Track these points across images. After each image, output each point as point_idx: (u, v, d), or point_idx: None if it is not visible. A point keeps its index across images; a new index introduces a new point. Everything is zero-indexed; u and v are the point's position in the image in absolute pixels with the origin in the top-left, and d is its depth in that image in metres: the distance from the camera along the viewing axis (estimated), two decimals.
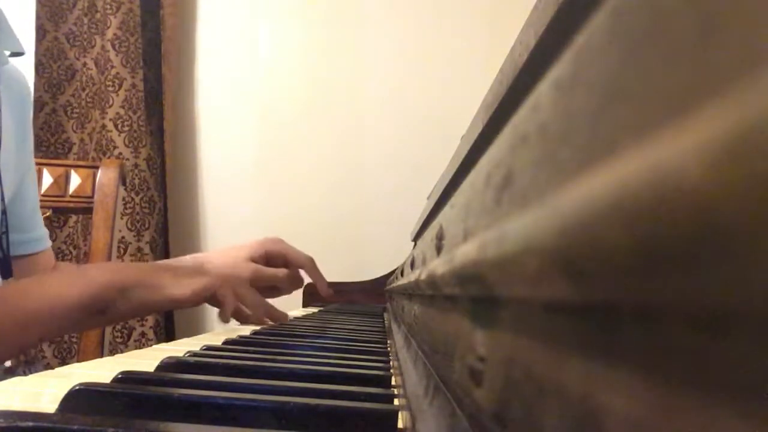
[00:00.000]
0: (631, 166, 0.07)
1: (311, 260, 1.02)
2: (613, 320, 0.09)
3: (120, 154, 1.62)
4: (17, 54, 0.84)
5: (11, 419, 0.22)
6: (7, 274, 0.79)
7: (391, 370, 0.43)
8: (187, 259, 0.94)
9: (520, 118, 0.15)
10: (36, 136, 1.70)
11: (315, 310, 1.21)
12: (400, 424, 0.28)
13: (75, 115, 1.72)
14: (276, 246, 0.99)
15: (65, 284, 0.65)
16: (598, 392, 0.09)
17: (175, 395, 0.29)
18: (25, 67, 1.70)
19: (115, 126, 1.63)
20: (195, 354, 0.44)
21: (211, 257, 0.93)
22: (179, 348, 0.51)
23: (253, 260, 0.94)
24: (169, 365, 0.38)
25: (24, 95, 0.88)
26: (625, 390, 0.08)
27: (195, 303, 0.74)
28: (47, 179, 1.20)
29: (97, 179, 1.21)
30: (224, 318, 0.77)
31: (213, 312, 0.90)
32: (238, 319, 0.82)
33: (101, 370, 0.37)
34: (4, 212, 0.79)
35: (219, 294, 0.75)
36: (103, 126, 1.63)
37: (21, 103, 0.86)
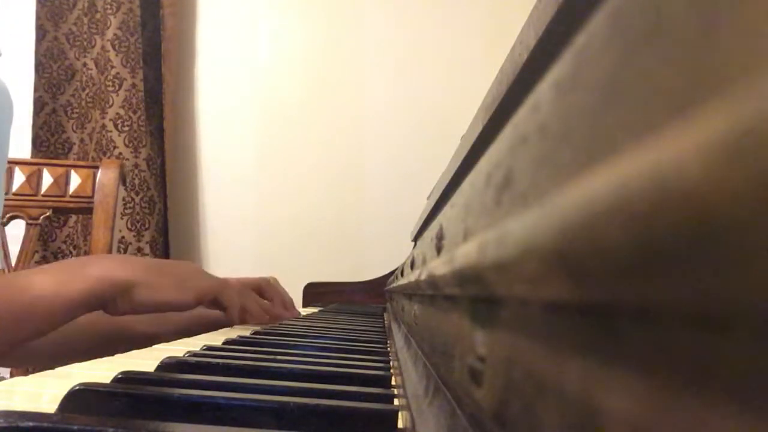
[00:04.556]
0: (631, 166, 0.07)
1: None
2: (613, 320, 0.09)
3: (120, 154, 1.62)
4: None
5: (11, 419, 0.22)
6: None
7: (391, 370, 0.43)
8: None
9: (520, 118, 0.15)
10: (36, 136, 1.70)
11: (315, 310, 1.21)
12: (400, 424, 0.28)
13: (75, 115, 1.72)
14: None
15: (64, 279, 0.64)
16: (598, 392, 0.09)
17: (175, 395, 0.29)
18: (25, 67, 1.70)
19: (115, 126, 1.63)
20: (195, 354, 0.44)
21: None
22: (179, 348, 0.51)
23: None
24: (169, 365, 0.38)
25: (2, 105, 0.85)
26: (625, 390, 0.08)
27: (196, 306, 0.73)
28: (47, 179, 1.20)
29: (97, 179, 1.21)
30: (233, 321, 0.77)
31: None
32: (242, 323, 0.81)
33: (101, 370, 0.37)
34: None
35: (223, 297, 0.75)
36: (103, 126, 1.63)
37: None
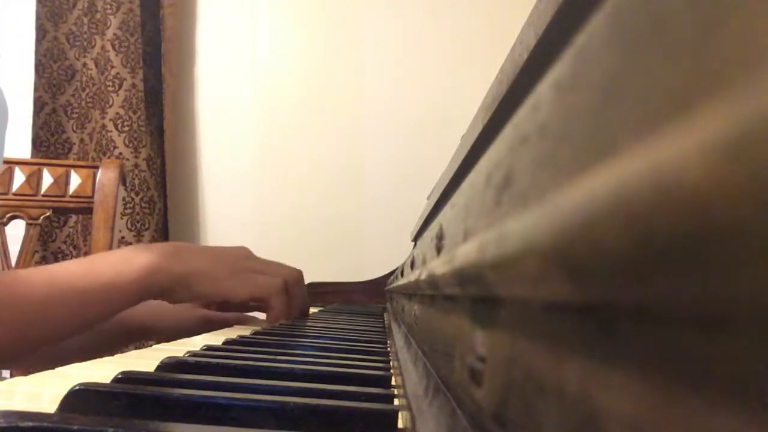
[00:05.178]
0: (632, 166, 0.07)
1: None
2: (613, 320, 0.09)
3: (120, 154, 1.62)
4: None
5: (11, 419, 0.22)
6: None
7: (391, 371, 0.43)
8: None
9: (520, 118, 0.15)
10: (36, 136, 1.70)
11: (315, 310, 1.21)
12: (400, 424, 0.28)
13: (75, 115, 1.72)
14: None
15: (123, 263, 0.63)
16: (598, 392, 0.09)
17: (175, 395, 0.29)
18: (25, 67, 1.70)
19: (115, 126, 1.63)
20: (195, 354, 0.44)
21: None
22: (179, 348, 0.51)
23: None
24: (169, 365, 0.38)
25: None
26: (625, 390, 0.08)
27: (250, 300, 0.72)
28: (47, 179, 1.20)
29: (97, 179, 1.21)
30: (270, 322, 0.76)
31: None
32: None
33: (101, 370, 0.37)
34: None
35: (273, 301, 0.73)
36: (103, 126, 1.63)
37: None
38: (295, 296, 0.81)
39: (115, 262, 0.64)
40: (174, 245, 0.77)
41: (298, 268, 0.83)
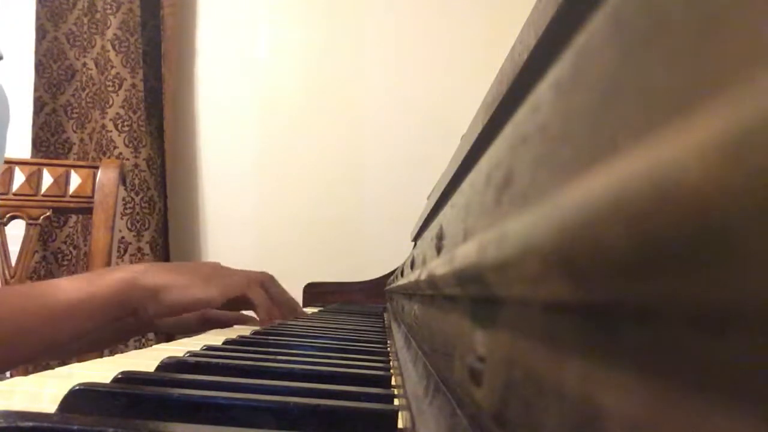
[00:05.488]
0: (631, 166, 0.07)
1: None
2: (613, 320, 0.09)
3: (120, 154, 1.62)
4: None
5: (11, 419, 0.22)
6: None
7: (391, 370, 0.43)
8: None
9: (520, 118, 0.15)
10: (36, 136, 1.70)
11: (315, 310, 1.21)
12: (400, 424, 0.28)
13: (75, 115, 1.72)
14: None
15: (94, 282, 0.64)
16: (598, 392, 0.09)
17: (175, 395, 0.29)
18: (25, 67, 1.70)
19: (115, 126, 1.63)
20: (195, 354, 0.44)
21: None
22: (179, 348, 0.51)
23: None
24: (169, 365, 0.38)
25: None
26: (625, 390, 0.08)
27: (223, 303, 0.73)
28: (47, 179, 1.20)
29: (97, 179, 1.21)
30: (262, 319, 0.76)
31: None
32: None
33: (101, 370, 0.37)
34: None
35: (252, 294, 0.75)
36: (103, 126, 1.63)
37: None
38: (277, 294, 0.83)
39: (85, 280, 0.65)
40: (146, 264, 0.79)
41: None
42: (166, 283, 0.68)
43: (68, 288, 0.62)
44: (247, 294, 0.75)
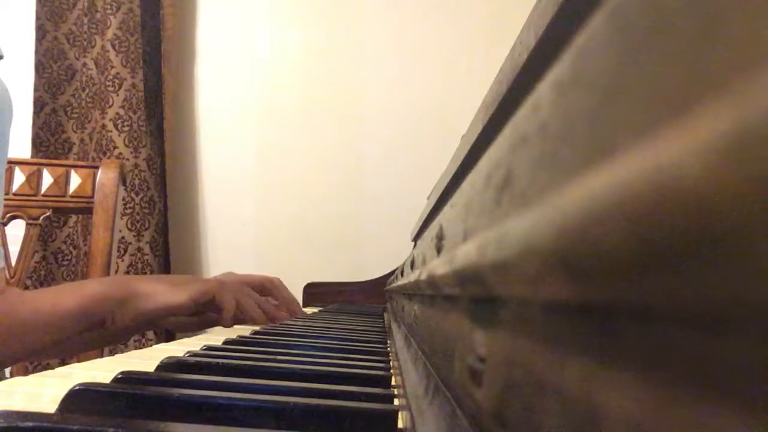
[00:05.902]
0: (631, 166, 0.07)
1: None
2: (612, 320, 0.09)
3: (120, 154, 1.62)
4: None
5: (11, 419, 0.22)
6: None
7: (391, 370, 0.43)
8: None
9: (520, 118, 0.15)
10: (36, 136, 1.70)
11: (315, 310, 1.21)
12: (400, 424, 0.28)
13: (75, 115, 1.72)
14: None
15: (60, 296, 0.66)
16: (598, 392, 0.09)
17: (175, 395, 0.29)
18: (25, 67, 1.70)
19: (115, 126, 1.63)
20: (195, 354, 0.44)
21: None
22: (179, 348, 0.51)
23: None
24: (169, 365, 0.38)
25: (3, 106, 0.84)
26: (625, 390, 0.08)
27: (193, 309, 0.73)
28: (47, 179, 1.20)
29: (97, 179, 1.21)
30: (226, 323, 0.77)
31: None
32: (239, 323, 0.81)
33: (101, 370, 0.37)
34: None
35: (217, 298, 0.75)
36: (103, 126, 1.63)
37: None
38: (281, 298, 0.87)
39: (52, 295, 0.67)
40: (123, 276, 0.81)
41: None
42: (136, 293, 0.69)
43: (34, 303, 0.64)
44: (217, 299, 0.75)
